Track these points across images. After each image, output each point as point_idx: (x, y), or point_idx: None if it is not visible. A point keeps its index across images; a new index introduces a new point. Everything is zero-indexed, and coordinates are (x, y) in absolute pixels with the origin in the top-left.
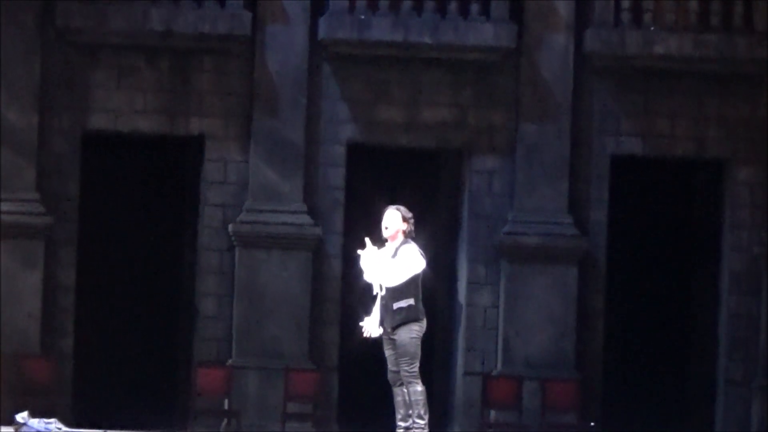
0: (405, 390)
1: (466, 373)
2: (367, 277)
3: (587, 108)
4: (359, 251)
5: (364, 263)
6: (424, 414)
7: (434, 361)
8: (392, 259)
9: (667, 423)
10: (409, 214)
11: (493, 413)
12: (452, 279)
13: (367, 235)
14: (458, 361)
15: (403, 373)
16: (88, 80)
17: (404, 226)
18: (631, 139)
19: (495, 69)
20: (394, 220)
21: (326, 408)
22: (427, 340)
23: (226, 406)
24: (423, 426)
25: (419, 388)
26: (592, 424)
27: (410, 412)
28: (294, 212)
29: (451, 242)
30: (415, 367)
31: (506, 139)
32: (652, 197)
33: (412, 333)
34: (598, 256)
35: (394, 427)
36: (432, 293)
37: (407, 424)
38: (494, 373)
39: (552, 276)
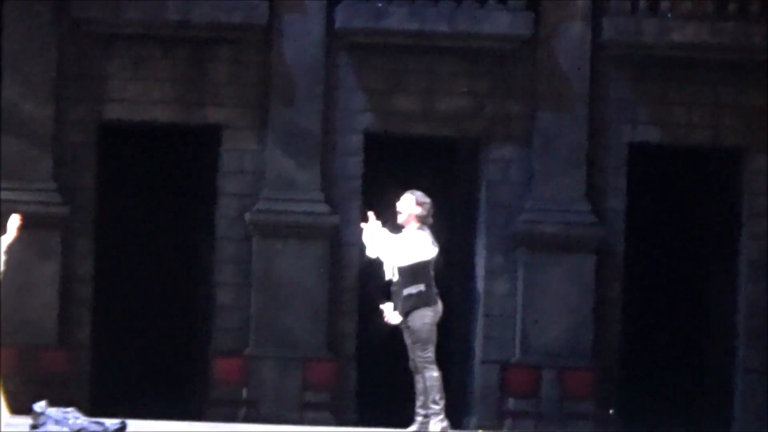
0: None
1: (483, 362)
2: (370, 252)
3: (604, 96)
4: (362, 225)
5: (366, 238)
6: (440, 399)
7: (452, 350)
8: (400, 238)
9: (685, 411)
10: (426, 200)
11: (511, 401)
12: (470, 268)
13: (385, 224)
14: (476, 349)
15: (417, 359)
16: (104, 71)
17: (417, 210)
18: (648, 127)
19: (512, 58)
20: (407, 204)
21: (344, 397)
22: (444, 329)
23: (243, 396)
24: (438, 411)
25: (435, 373)
26: (611, 411)
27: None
28: (311, 201)
29: (469, 231)
30: (430, 352)
31: (523, 127)
32: (669, 185)
33: (426, 318)
34: (616, 244)
35: (413, 414)
36: (449, 282)
37: (426, 411)
38: (512, 361)
39: (569, 264)
